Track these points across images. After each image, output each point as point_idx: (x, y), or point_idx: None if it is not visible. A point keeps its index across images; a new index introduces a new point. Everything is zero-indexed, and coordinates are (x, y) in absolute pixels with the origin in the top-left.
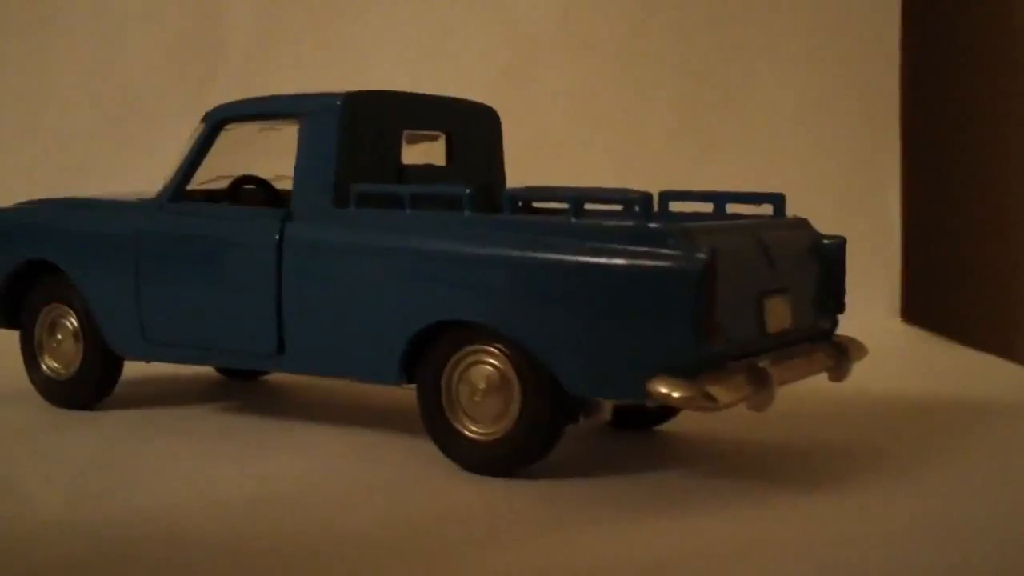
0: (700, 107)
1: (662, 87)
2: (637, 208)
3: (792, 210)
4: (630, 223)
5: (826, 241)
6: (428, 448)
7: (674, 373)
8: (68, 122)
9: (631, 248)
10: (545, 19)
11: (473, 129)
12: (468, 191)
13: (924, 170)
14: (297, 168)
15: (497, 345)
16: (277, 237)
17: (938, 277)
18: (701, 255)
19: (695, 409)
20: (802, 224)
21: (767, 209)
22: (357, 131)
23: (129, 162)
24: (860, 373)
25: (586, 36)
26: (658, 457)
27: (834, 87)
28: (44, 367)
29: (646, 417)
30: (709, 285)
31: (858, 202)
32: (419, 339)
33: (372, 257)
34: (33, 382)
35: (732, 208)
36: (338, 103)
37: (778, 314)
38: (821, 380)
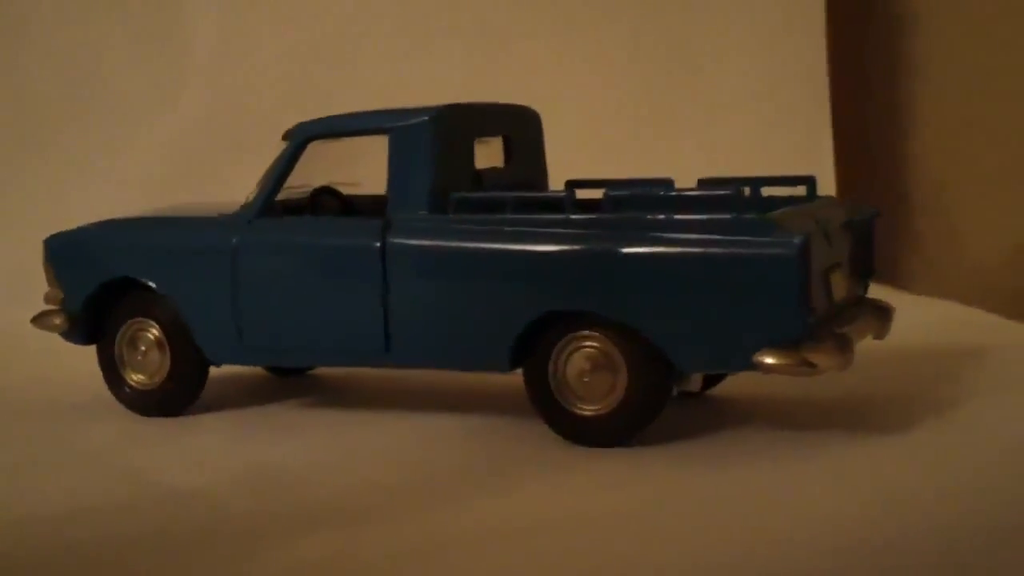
0: (660, 94)
1: (628, 74)
2: (732, 201)
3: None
4: (729, 216)
5: (859, 216)
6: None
7: (776, 345)
8: (41, 122)
9: (733, 238)
10: (511, 7)
11: (522, 130)
12: (567, 195)
13: (853, 144)
14: (391, 180)
15: (604, 330)
16: (378, 244)
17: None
18: (797, 240)
19: (797, 375)
20: (835, 202)
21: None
22: (446, 142)
23: (102, 158)
24: None
25: (552, 25)
26: (716, 415)
27: (772, 75)
28: (129, 380)
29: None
30: (805, 266)
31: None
32: (527, 330)
33: (480, 259)
34: (117, 395)
35: (766, 191)
36: (427, 118)
37: (839, 285)
38: None
